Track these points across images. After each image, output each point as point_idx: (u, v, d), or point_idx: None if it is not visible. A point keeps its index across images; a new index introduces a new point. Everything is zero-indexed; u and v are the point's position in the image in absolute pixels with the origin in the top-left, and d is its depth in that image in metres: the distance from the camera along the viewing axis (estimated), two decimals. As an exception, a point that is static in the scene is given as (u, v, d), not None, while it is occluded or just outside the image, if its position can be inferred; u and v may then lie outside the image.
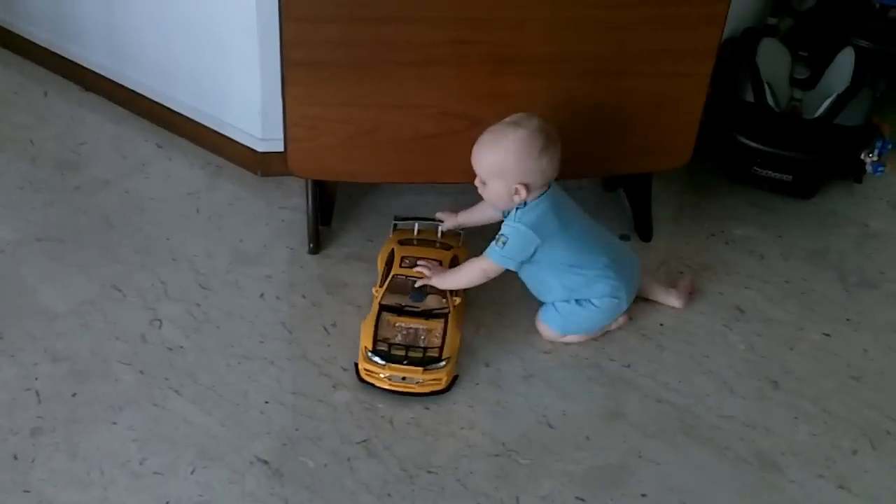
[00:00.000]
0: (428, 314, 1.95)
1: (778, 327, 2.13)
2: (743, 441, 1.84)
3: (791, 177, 2.46)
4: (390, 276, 2.02)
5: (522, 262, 1.93)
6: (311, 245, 2.25)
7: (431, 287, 1.99)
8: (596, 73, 2.04)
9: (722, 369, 2.00)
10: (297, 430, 1.81)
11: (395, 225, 2.21)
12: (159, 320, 2.02)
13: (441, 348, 1.88)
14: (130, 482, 1.70)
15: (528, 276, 2.02)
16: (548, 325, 2.03)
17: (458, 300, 1.99)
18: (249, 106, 2.41)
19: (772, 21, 2.81)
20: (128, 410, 1.83)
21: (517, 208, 1.90)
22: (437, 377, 1.86)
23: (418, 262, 2.04)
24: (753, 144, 2.45)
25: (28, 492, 1.67)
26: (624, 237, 2.30)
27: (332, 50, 1.96)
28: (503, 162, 1.86)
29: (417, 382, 1.86)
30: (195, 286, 2.12)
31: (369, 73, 1.99)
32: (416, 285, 1.99)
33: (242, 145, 2.50)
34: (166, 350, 1.96)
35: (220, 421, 1.82)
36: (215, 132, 2.55)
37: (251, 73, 2.34)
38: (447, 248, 2.13)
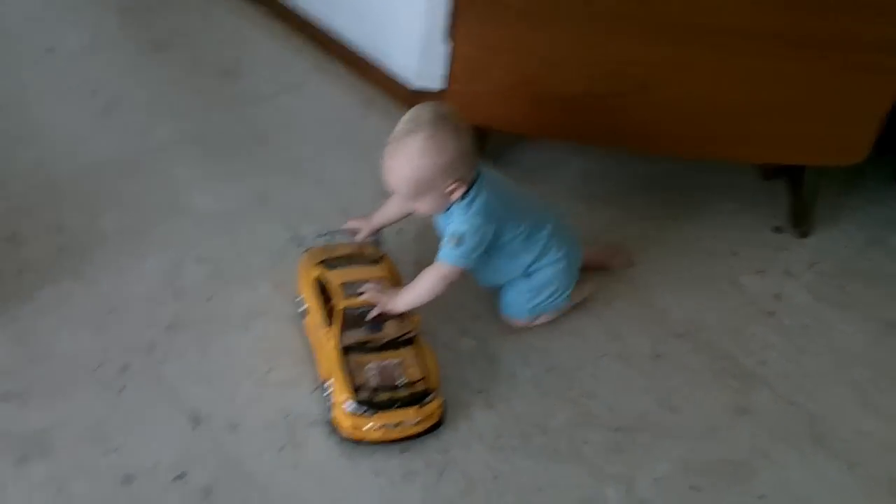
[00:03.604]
0: (395, 343, 1.73)
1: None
2: (877, 461, 1.76)
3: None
4: (338, 310, 1.72)
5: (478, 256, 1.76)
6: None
7: (382, 313, 1.75)
8: (780, 54, 1.94)
9: (865, 383, 1.91)
10: (419, 368, 1.82)
11: (301, 244, 1.97)
12: (299, 238, 2.04)
13: (426, 378, 1.68)
14: (254, 390, 1.74)
15: (481, 267, 1.82)
16: (514, 318, 1.92)
17: (416, 317, 1.77)
18: (410, 41, 2.39)
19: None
20: (260, 321, 1.86)
21: (458, 202, 1.73)
22: (431, 411, 1.68)
23: (360, 289, 1.76)
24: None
25: (159, 382, 1.73)
26: (777, 230, 2.21)
27: (514, -7, 1.92)
28: (423, 173, 1.66)
29: (414, 424, 1.67)
30: (337, 211, 2.13)
31: (546, 22, 1.94)
32: (369, 316, 1.73)
33: (397, 79, 2.49)
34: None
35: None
36: (372, 63, 2.54)
37: (416, 8, 2.32)
38: (375, 261, 1.86)
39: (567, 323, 1.94)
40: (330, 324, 1.72)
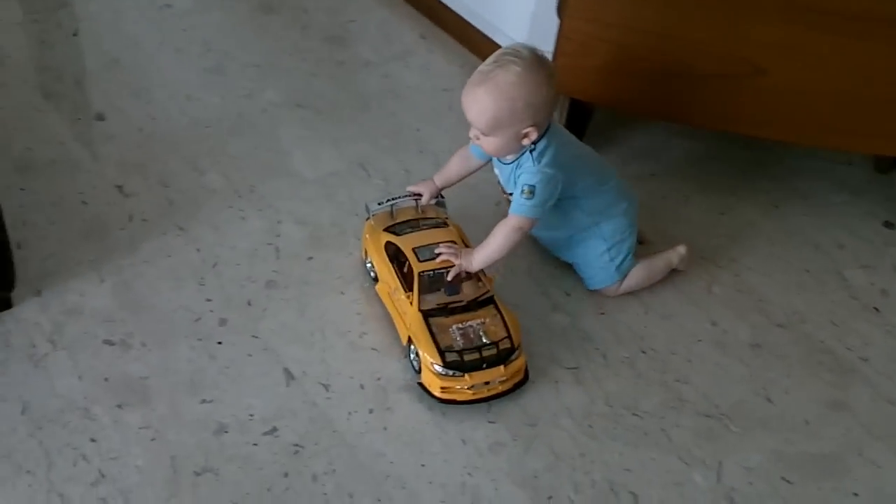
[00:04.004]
0: (474, 304, 1.73)
1: None
2: (981, 468, 1.69)
3: None
4: (415, 275, 1.72)
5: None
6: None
7: (459, 274, 1.74)
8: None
9: (972, 388, 1.84)
10: (510, 341, 1.81)
11: (368, 209, 1.90)
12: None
13: (509, 336, 1.69)
14: (348, 352, 1.76)
15: (554, 221, 1.82)
16: (605, 285, 1.90)
17: (492, 277, 1.78)
18: (521, 11, 2.37)
19: None
20: (356, 284, 1.89)
21: (529, 151, 1.71)
22: (517, 368, 1.69)
23: (436, 250, 1.75)
24: None
25: (256, 337, 1.76)
26: (888, 225, 2.13)
27: (627, -34, 1.89)
28: (509, 108, 1.64)
29: (501, 382, 1.68)
30: (437, 181, 2.14)
31: (660, -3, 1.91)
32: (449, 277, 1.73)
33: (506, 51, 2.47)
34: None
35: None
36: (481, 33, 2.53)
37: (529, -21, 2.31)
38: (443, 223, 1.85)
39: (663, 307, 1.91)
40: (408, 289, 1.73)
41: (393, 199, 1.89)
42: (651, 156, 2.30)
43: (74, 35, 2.53)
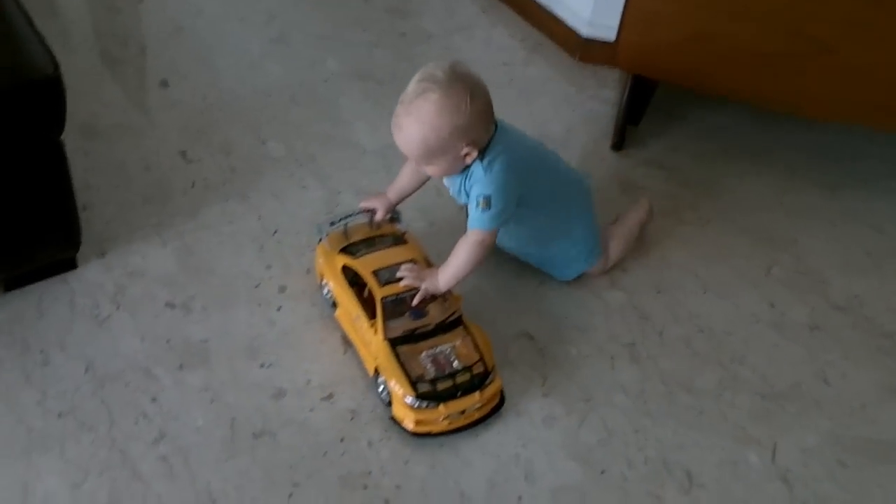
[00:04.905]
0: (442, 327, 1.63)
1: None
2: None
3: None
4: (378, 301, 1.61)
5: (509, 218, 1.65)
6: (615, 141, 2.20)
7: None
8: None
9: None
10: (566, 316, 1.81)
11: (320, 230, 1.77)
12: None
13: (482, 359, 1.59)
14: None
15: (518, 230, 1.74)
16: (575, 276, 1.85)
17: (458, 297, 1.67)
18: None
19: None
20: (413, 255, 1.89)
21: (477, 163, 1.61)
22: (493, 392, 1.60)
23: (398, 274, 1.64)
24: None
25: (314, 305, 1.78)
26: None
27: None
28: (436, 137, 1.55)
29: (478, 409, 1.59)
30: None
31: (728, -28, 1.88)
32: (415, 302, 1.62)
33: (567, 26, 2.46)
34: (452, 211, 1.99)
35: (495, 288, 1.85)
36: (544, 8, 2.52)
37: (595, -46, 2.29)
38: (401, 239, 1.75)
39: (721, 287, 1.90)
40: (371, 316, 1.62)
41: (346, 216, 1.76)
42: (712, 134, 2.28)
43: (140, 2, 2.56)
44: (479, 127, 1.59)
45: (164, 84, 2.28)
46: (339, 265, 1.70)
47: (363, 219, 1.78)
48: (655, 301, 1.86)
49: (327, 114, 2.22)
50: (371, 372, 1.63)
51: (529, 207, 1.68)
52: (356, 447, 1.57)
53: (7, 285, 1.77)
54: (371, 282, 1.63)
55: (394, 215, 1.81)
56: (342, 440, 1.58)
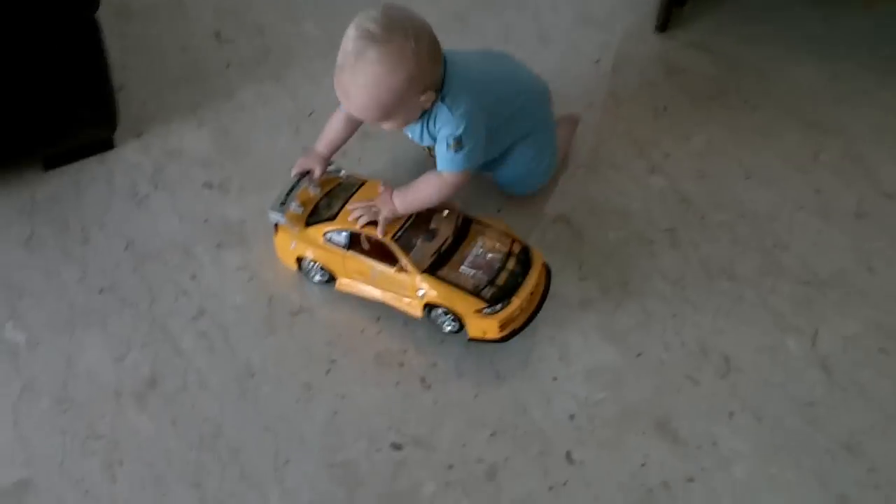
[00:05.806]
0: (460, 234, 1.59)
1: None
2: None
3: None
4: (391, 242, 1.53)
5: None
6: (660, 22, 2.13)
7: (419, 218, 1.58)
8: None
9: None
10: (604, 199, 1.79)
11: (276, 213, 1.62)
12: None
13: (513, 240, 1.58)
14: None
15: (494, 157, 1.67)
16: (536, 188, 1.77)
17: (453, 203, 1.61)
18: None
19: None
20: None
21: (439, 103, 1.51)
22: (539, 266, 1.57)
23: (350, 217, 1.56)
24: None
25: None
26: None
27: None
28: (390, 96, 1.45)
29: (536, 285, 1.55)
30: (534, 38, 2.08)
31: None
32: (379, 232, 1.53)
33: None
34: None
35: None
36: None
37: None
38: (357, 183, 1.65)
39: (767, 173, 1.85)
40: (394, 262, 1.55)
41: (288, 191, 1.64)
42: (761, 16, 2.19)
43: None
44: (430, 69, 1.48)
45: (198, -37, 2.24)
46: (320, 236, 1.60)
47: (306, 184, 1.66)
48: (697, 186, 1.82)
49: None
50: (419, 313, 1.56)
51: (497, 133, 1.61)
52: (392, 326, 1.58)
53: (46, 164, 1.78)
54: (369, 231, 1.55)
55: (332, 169, 1.71)
56: (378, 319, 1.58)
